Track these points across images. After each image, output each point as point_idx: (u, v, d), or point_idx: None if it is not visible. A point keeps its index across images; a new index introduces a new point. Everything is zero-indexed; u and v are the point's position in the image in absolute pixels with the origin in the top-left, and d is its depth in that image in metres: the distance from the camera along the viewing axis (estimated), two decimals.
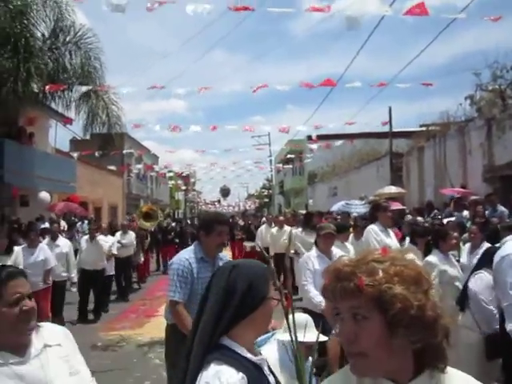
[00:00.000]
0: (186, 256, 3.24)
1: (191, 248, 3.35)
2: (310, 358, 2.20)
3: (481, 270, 3.84)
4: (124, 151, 22.65)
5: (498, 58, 11.74)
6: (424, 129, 16.56)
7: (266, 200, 50.77)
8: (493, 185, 11.18)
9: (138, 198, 31.80)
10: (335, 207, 12.52)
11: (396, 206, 11.08)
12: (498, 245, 4.89)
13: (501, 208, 8.64)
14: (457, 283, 4.47)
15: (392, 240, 5.36)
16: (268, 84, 13.49)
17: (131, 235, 10.97)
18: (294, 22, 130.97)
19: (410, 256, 1.13)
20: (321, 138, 24.14)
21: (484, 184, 11.54)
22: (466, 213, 8.97)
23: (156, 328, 7.77)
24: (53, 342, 1.66)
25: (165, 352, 3.42)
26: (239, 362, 1.30)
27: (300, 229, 7.99)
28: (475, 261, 5.12)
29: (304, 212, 14.07)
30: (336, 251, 4.55)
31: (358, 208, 12.34)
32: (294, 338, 1.45)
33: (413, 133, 18.04)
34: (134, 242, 11.10)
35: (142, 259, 12.49)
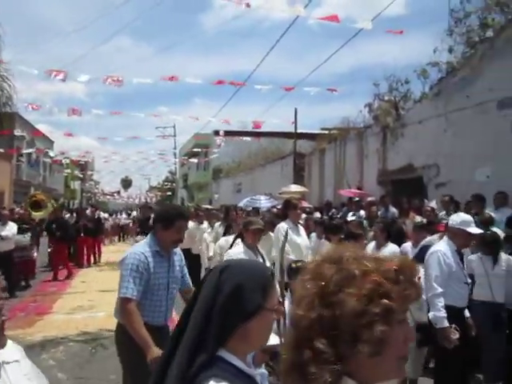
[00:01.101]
0: (142, 250, 3.01)
1: (145, 241, 3.13)
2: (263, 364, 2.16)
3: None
4: (14, 133, 20.70)
5: (395, 71, 12.74)
6: (326, 132, 17.45)
7: (169, 193, 49.85)
8: (385, 187, 12.16)
9: (28, 185, 29.28)
10: (241, 203, 12.69)
11: (305, 203, 11.59)
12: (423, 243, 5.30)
13: (392, 209, 9.45)
14: None
15: (302, 238, 5.55)
16: (177, 76, 13.28)
17: (12, 227, 9.93)
18: (205, 15, 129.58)
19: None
20: (228, 133, 24.34)
21: (378, 186, 12.49)
22: (362, 212, 9.64)
23: (49, 326, 7.23)
24: (10, 358, 1.47)
25: (118, 353, 3.15)
26: (239, 379, 1.19)
27: (219, 223, 7.91)
28: None
29: (208, 207, 14.05)
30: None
31: (264, 203, 12.63)
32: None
33: (316, 135, 18.91)
34: (16, 234, 10.04)
35: (36, 254, 11.48)
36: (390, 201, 9.87)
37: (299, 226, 5.77)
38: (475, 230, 3.96)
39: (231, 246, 5.00)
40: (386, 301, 0.95)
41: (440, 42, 10.16)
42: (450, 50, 10.12)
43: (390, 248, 5.45)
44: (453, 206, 7.73)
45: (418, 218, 7.69)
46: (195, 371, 1.14)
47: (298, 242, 5.46)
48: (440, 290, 3.74)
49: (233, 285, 1.21)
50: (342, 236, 5.03)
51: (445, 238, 4.12)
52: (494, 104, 8.37)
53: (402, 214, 8.68)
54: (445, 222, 6.54)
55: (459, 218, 4.02)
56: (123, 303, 2.89)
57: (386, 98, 13.08)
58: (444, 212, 7.62)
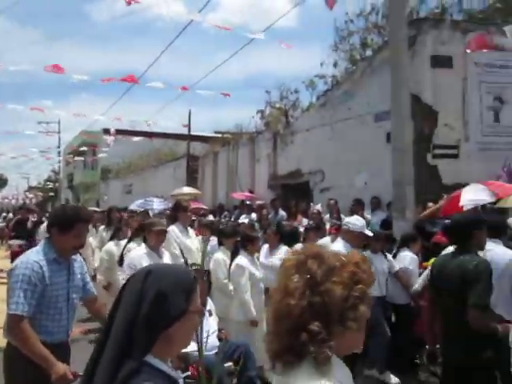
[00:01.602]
0: (35, 258, 2.62)
1: (38, 248, 2.74)
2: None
3: None
4: None
5: (285, 80, 13.41)
6: (219, 135, 17.65)
7: (51, 194, 46.31)
8: (275, 191, 12.67)
9: None
10: (134, 205, 12.25)
11: (200, 205, 11.60)
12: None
13: (282, 212, 9.89)
14: (261, 285, 4.69)
15: (192, 240, 5.53)
16: (64, 68, 12.40)
17: None
18: (96, 7, 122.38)
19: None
20: (119, 132, 23.34)
21: (268, 190, 12.97)
22: (253, 215, 9.94)
23: None
24: None
25: (7, 380, 2.67)
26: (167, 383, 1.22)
27: (103, 226, 7.53)
28: (274, 260, 5.53)
29: (96, 209, 13.33)
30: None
31: (157, 205, 12.35)
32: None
33: (209, 138, 19.02)
34: None
35: None
36: (280, 204, 10.33)
37: (189, 228, 5.75)
38: (370, 232, 4.43)
39: (123, 249, 4.82)
40: (361, 286, 1.18)
41: (326, 56, 10.93)
42: (335, 65, 10.96)
43: (283, 250, 5.41)
44: (336, 209, 8.34)
45: (305, 221, 8.17)
46: (123, 379, 1.14)
47: (189, 245, 5.44)
48: None
49: (157, 291, 1.22)
50: (238, 239, 5.01)
51: (340, 239, 4.32)
52: (371, 116, 9.21)
53: (291, 217, 9.14)
54: (329, 224, 7.04)
55: (359, 222, 4.30)
56: (13, 321, 2.53)
57: (277, 105, 13.67)
58: (328, 215, 8.19)
